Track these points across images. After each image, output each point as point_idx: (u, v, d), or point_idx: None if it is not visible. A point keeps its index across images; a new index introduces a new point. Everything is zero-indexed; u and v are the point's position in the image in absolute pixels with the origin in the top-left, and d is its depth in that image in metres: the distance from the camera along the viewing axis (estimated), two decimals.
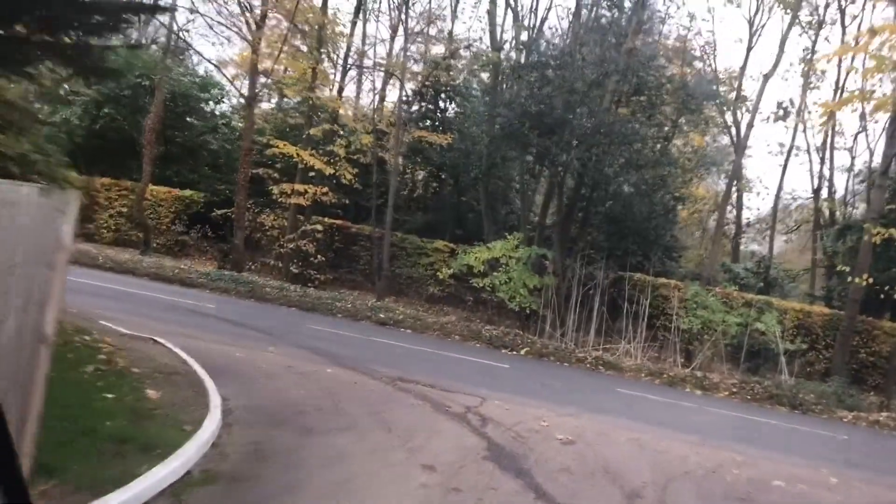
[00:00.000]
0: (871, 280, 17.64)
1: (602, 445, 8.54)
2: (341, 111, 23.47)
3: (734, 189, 25.60)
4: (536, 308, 18.56)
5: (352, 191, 23.09)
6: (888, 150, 19.07)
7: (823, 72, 26.85)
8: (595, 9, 20.27)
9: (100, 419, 5.52)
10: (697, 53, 23.29)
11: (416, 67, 26.02)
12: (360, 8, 23.78)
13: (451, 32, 26.72)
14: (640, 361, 17.45)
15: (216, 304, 15.73)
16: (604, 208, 20.02)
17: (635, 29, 18.71)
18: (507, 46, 23.49)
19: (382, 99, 26.59)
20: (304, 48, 23.05)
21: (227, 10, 22.05)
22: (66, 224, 3.90)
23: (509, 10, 23.29)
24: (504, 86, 21.49)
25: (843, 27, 26.34)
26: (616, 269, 20.15)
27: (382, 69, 24.53)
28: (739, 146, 24.41)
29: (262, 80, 22.13)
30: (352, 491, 5.41)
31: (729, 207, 28.01)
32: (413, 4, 23.93)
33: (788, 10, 24.24)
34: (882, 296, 18.25)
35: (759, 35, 26.57)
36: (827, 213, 27.70)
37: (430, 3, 26.25)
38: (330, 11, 23.17)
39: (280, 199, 21.22)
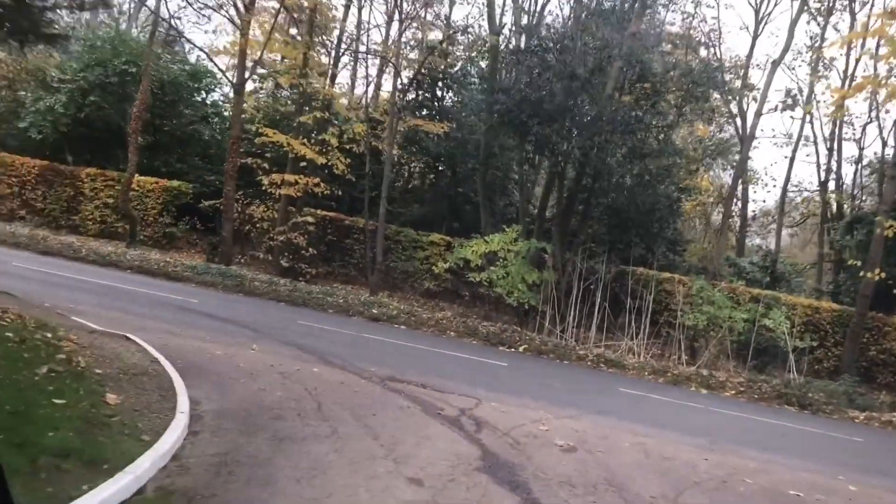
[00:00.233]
0: (883, 275, 17.01)
1: (605, 452, 7.93)
2: (334, 99, 22.72)
3: (740, 181, 24.92)
4: (535, 303, 17.91)
5: (346, 182, 22.42)
6: None
7: (833, 59, 26.22)
8: None
9: (41, 429, 4.85)
10: (702, 40, 22.54)
11: (413, 55, 25.32)
12: None
13: (448, 17, 26.00)
14: (644, 359, 16.84)
15: (201, 299, 15.07)
16: (606, 200, 19.33)
17: (639, 13, 18.04)
18: (506, 31, 22.81)
19: (378, 87, 25.92)
20: (296, 34, 22.30)
21: None
22: None
23: None
24: (503, 72, 20.76)
25: (853, 14, 25.67)
26: (618, 263, 19.48)
27: (377, 55, 23.80)
28: (746, 136, 23.67)
29: (251, 63, 21.32)
30: None
31: (734, 200, 27.38)
32: None
33: None
34: (895, 291, 17.62)
35: (766, 23, 25.97)
36: (834, 206, 27.07)
37: None
38: None
39: (270, 190, 20.50)
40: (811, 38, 26.95)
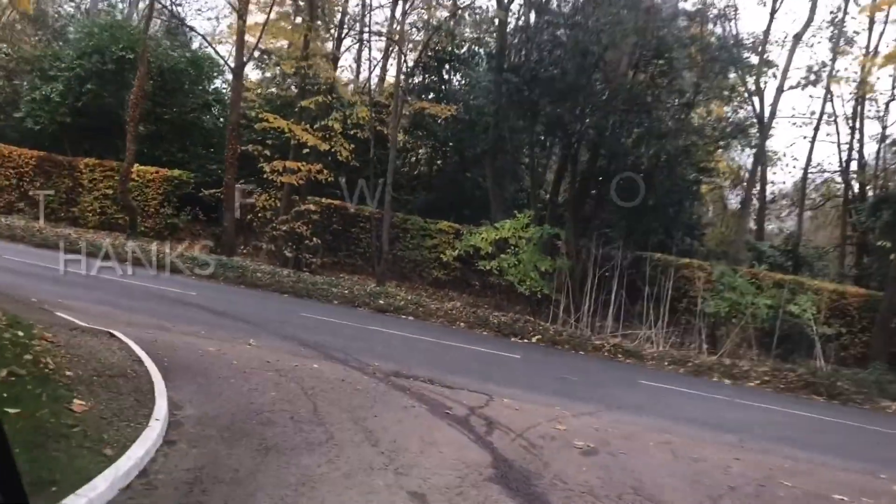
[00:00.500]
0: None
1: (629, 454, 7.25)
2: (337, 82, 21.96)
3: (760, 162, 23.97)
4: (548, 292, 17.16)
5: (352, 169, 21.71)
6: None
7: (857, 33, 25.11)
8: None
9: None
10: (719, 14, 21.48)
11: (419, 37, 24.48)
12: None
13: None
14: (663, 349, 16.09)
15: (200, 291, 14.44)
16: (621, 182, 18.50)
17: None
18: (514, 7, 21.93)
19: (384, 71, 25.09)
20: (296, 16, 21.53)
21: None
22: None
23: None
24: (512, 52, 19.90)
25: None
26: (635, 249, 18.66)
27: (381, 36, 22.96)
28: (769, 114, 22.66)
29: (250, 41, 20.60)
30: None
31: (755, 181, 26.42)
32: None
33: None
34: None
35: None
36: (856, 186, 26.07)
37: None
38: None
39: (272, 178, 19.81)
40: (831, 12, 25.97)
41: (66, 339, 7.57)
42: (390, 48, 22.37)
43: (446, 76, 24.55)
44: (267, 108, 22.43)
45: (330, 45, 24.05)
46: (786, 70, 21.55)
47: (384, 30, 22.93)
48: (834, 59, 25.49)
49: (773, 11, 25.24)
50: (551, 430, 7.64)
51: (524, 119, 18.99)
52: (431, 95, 23.86)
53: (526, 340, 15.45)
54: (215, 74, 26.36)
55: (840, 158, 26.68)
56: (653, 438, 8.18)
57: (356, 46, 27.03)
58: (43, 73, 22.99)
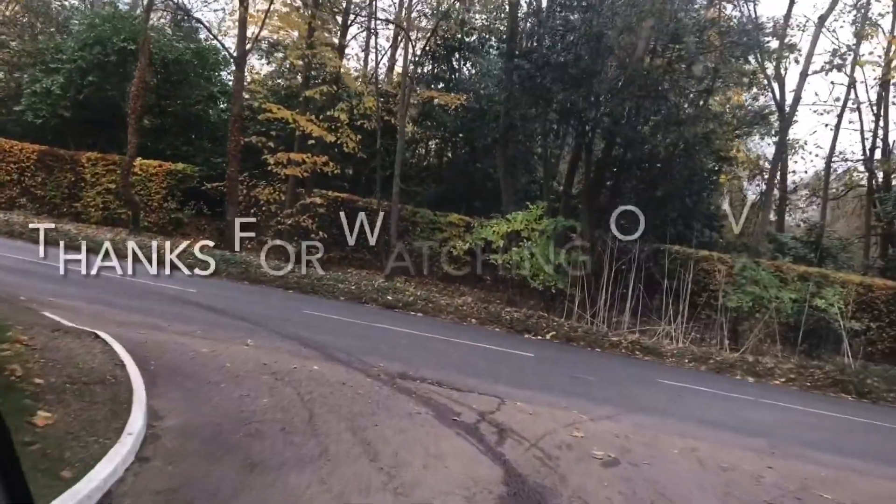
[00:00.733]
0: None
1: (653, 464, 6.66)
2: (343, 71, 21.32)
3: (781, 151, 23.10)
4: (563, 287, 16.46)
5: (359, 161, 21.10)
6: None
7: (882, 15, 24.16)
8: None
9: None
10: None
11: (428, 24, 23.82)
12: None
13: None
14: (683, 345, 15.39)
15: (200, 288, 13.91)
16: (638, 172, 17.76)
17: None
18: None
19: (392, 60, 24.48)
20: (304, 6, 20.89)
21: None
22: None
23: None
24: (523, 35, 19.18)
25: None
26: (653, 241, 17.92)
27: (388, 24, 22.32)
28: (791, 101, 21.79)
29: (255, 31, 20.01)
30: None
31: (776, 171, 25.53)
32: None
33: None
34: None
35: None
36: (880, 175, 25.15)
37: None
38: None
39: (276, 171, 19.25)
40: None
41: (44, 342, 7.06)
42: (398, 36, 21.73)
43: (456, 64, 23.88)
44: (272, 98, 21.86)
45: (335, 34, 23.46)
46: (810, 55, 20.63)
47: (391, 17, 22.30)
48: (858, 43, 24.59)
49: None
50: (568, 438, 7.06)
51: (536, 107, 18.29)
52: (441, 85, 23.19)
53: (539, 337, 14.83)
54: (221, 66, 25.83)
55: (864, 146, 25.81)
56: (677, 444, 7.59)
57: (363, 35, 26.45)
58: (44, 65, 22.54)
